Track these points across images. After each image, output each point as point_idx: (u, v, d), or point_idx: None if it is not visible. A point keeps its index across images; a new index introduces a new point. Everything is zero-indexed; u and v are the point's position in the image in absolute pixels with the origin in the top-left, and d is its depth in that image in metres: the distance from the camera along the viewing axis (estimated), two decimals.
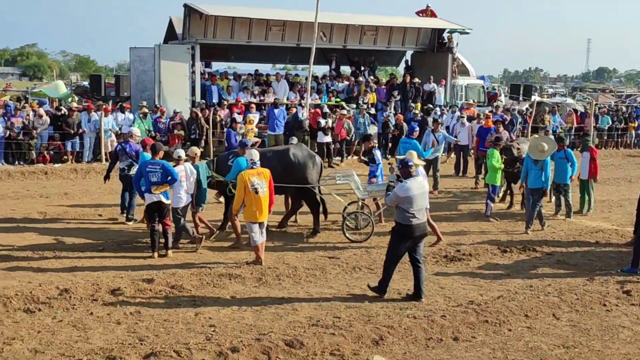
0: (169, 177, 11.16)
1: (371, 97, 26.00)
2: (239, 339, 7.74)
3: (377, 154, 14.40)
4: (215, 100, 23.96)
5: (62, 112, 21.41)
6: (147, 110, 21.47)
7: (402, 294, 9.67)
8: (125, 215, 13.83)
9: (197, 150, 12.70)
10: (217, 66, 30.26)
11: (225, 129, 21.95)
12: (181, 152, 12.11)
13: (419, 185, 9.50)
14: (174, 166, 11.61)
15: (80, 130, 20.53)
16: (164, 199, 11.10)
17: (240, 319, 8.55)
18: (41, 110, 21.10)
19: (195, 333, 8.05)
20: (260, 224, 10.85)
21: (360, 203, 13.47)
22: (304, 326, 8.26)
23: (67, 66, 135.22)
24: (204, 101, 23.37)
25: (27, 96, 28.08)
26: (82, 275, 10.14)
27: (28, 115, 20.79)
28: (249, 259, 11.12)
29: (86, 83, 40.91)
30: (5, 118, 20.28)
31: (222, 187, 12.82)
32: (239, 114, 22.22)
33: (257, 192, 10.70)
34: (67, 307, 8.90)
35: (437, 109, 25.07)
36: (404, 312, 8.87)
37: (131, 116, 21.56)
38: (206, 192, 12.57)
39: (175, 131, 21.42)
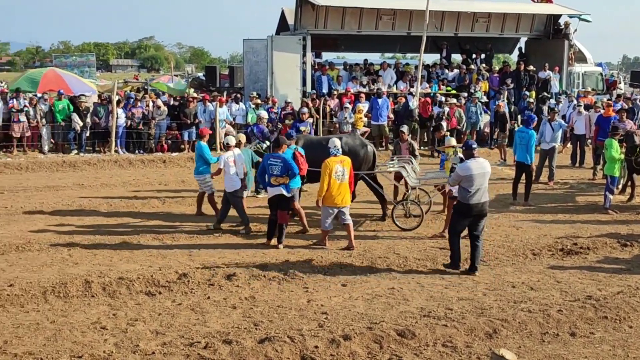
0: (290, 171, 11.31)
1: (483, 86, 25.47)
2: (351, 326, 7.81)
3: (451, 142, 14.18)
4: (325, 90, 24.16)
5: (180, 102, 22.20)
6: (259, 101, 21.93)
7: (517, 287, 9.48)
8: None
9: (242, 137, 13.31)
10: (327, 56, 30.50)
11: (335, 118, 22.16)
12: (230, 140, 12.75)
13: (480, 165, 9.97)
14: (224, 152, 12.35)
15: (197, 120, 21.20)
16: (284, 192, 11.26)
17: (351, 307, 8.61)
18: (159, 102, 21.94)
19: (308, 320, 8.18)
20: (341, 211, 11.24)
21: (410, 191, 13.32)
22: (415, 316, 8.24)
23: (182, 58, 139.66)
24: (314, 91, 23.60)
25: (147, 87, 29.22)
26: (200, 260, 10.49)
27: (147, 106, 21.67)
28: (346, 250, 11.19)
29: (201, 75, 42.14)
30: (127, 109, 21.23)
31: None
32: (349, 103, 22.31)
33: (339, 179, 11.06)
34: (185, 291, 9.23)
35: (553, 97, 24.30)
36: (518, 305, 8.69)
37: (244, 106, 22.05)
38: (251, 178, 13.11)
39: (287, 121, 21.75)
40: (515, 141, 15.31)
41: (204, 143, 13.50)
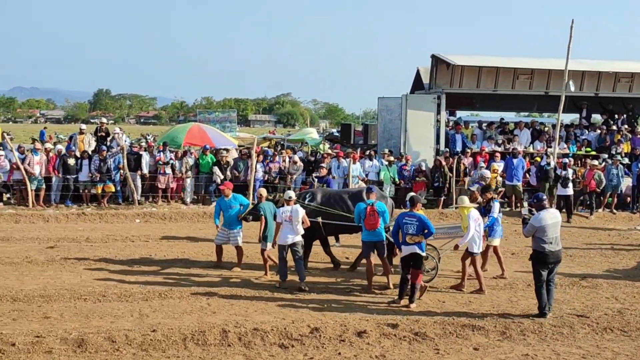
0: (426, 230, 11.32)
1: (625, 147, 24.52)
2: None
3: (496, 206, 13.62)
4: (459, 148, 24.08)
5: (315, 157, 22.81)
6: (392, 158, 22.18)
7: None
8: None
9: (263, 192, 13.69)
10: (461, 114, 30.42)
11: (468, 177, 21.98)
12: (291, 194, 12.89)
13: (552, 215, 10.80)
14: (282, 206, 12.56)
15: (330, 176, 21.65)
16: (418, 250, 11.28)
17: None
18: (296, 157, 22.62)
19: None
20: None
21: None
22: None
23: (317, 114, 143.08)
24: (447, 149, 23.58)
25: (284, 143, 30.18)
26: (331, 315, 10.64)
27: (284, 161, 22.40)
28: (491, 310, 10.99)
29: (334, 130, 43.02)
30: (265, 163, 22.04)
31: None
32: (483, 162, 22.11)
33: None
34: (317, 345, 9.40)
35: None
36: None
37: (377, 163, 22.33)
38: (273, 230, 13.09)
39: (417, 179, 21.86)
40: None
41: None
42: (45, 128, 48.19)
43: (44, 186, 20.50)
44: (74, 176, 20.87)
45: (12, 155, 20.47)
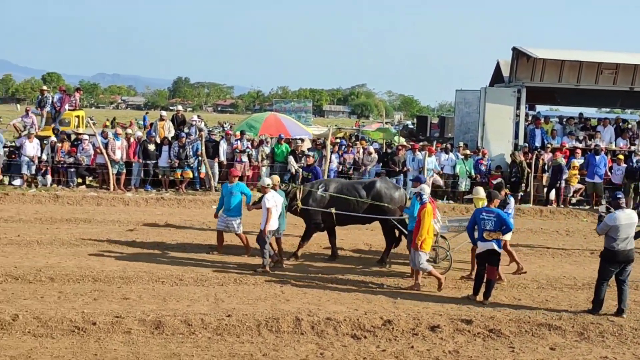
0: (504, 227, 11.12)
1: None
2: None
3: (512, 201, 13.25)
4: (538, 143, 23.52)
5: (391, 149, 22.68)
6: (468, 152, 21.87)
7: None
8: None
9: (276, 179, 13.49)
10: (541, 108, 29.72)
11: (546, 173, 21.48)
12: (268, 180, 13.14)
13: (627, 216, 10.61)
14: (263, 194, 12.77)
15: (405, 168, 21.52)
16: (495, 247, 11.10)
17: None
18: (371, 148, 22.54)
19: None
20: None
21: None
22: None
23: (392, 105, 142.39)
24: (526, 144, 23.09)
25: (358, 134, 30.14)
26: (404, 308, 10.59)
27: (359, 152, 22.35)
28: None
29: (409, 123, 42.69)
30: (339, 154, 22.06)
31: (305, 216, 13.83)
32: (563, 158, 21.56)
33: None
34: (389, 337, 9.39)
35: None
36: None
37: (454, 157, 22.05)
38: (284, 219, 13.26)
39: (493, 172, 21.49)
40: None
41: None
42: (147, 113, 49.51)
43: (124, 171, 21.09)
44: (154, 162, 21.38)
45: (96, 139, 21.11)
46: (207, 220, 17.03)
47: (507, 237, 12.95)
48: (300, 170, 18.60)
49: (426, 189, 12.22)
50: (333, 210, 13.62)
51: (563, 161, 21.33)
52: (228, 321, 9.50)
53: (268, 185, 12.94)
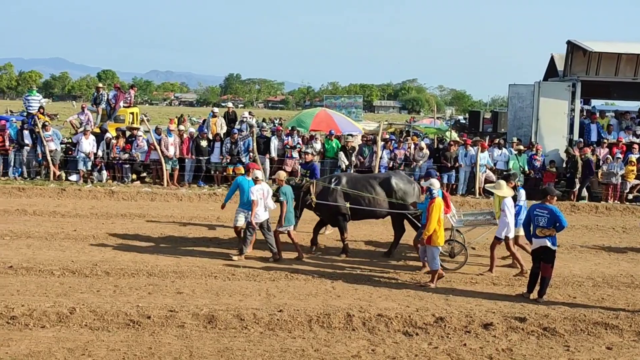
0: (557, 224, 10.89)
1: None
2: None
3: (521, 193, 12.99)
4: (594, 138, 23.06)
5: (443, 145, 22.47)
6: (522, 147, 21.54)
7: None
8: None
9: (282, 175, 13.44)
10: (596, 103, 29.10)
11: (603, 168, 21.01)
12: (258, 174, 13.19)
13: None
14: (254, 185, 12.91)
15: (457, 164, 21.30)
16: (549, 244, 10.90)
17: None
18: (422, 144, 22.35)
19: None
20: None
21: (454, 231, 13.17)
22: None
23: (443, 100, 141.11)
24: (581, 139, 22.63)
25: (409, 129, 29.93)
26: (456, 305, 10.49)
27: (409, 147, 22.17)
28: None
29: (461, 118, 42.23)
30: (390, 150, 21.92)
31: (324, 211, 13.71)
32: (620, 154, 21.09)
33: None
34: (442, 335, 9.31)
35: None
36: None
37: (507, 152, 21.73)
38: (292, 214, 13.16)
39: (548, 168, 21.13)
40: None
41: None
42: (213, 110, 49.98)
43: (177, 167, 21.37)
44: (206, 158, 21.62)
45: (150, 136, 21.44)
46: None
47: (521, 231, 12.84)
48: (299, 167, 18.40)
49: (435, 184, 12.10)
50: (347, 205, 13.51)
51: (592, 156, 20.87)
52: (280, 316, 9.54)
53: (256, 178, 13.11)
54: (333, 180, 13.93)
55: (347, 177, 14.18)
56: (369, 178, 14.27)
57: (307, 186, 13.83)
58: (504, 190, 12.58)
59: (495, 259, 12.53)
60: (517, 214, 12.73)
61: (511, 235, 12.34)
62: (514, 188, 12.99)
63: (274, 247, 13.08)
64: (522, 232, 12.65)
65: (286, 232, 13.20)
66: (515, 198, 12.76)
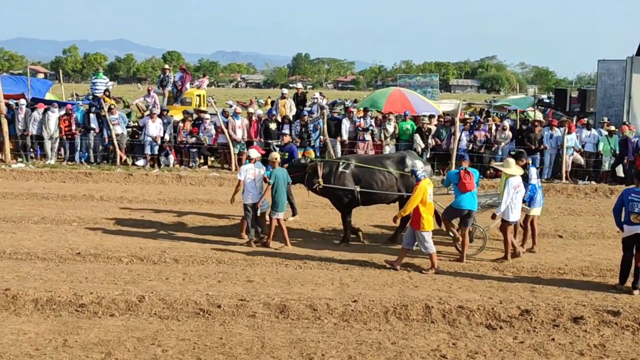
0: None
1: None
2: None
3: (532, 172, 12.15)
4: None
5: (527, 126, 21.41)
6: (613, 128, 20.24)
7: None
8: None
9: (276, 155, 12.82)
10: None
11: None
12: (252, 152, 12.93)
13: None
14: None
15: (542, 146, 20.22)
16: None
17: None
18: (505, 123, 21.27)
19: None
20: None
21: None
22: None
23: (525, 78, 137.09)
24: None
25: (490, 110, 28.89)
26: (542, 297, 9.85)
27: (490, 129, 21.17)
28: None
29: (545, 97, 40.59)
30: (470, 131, 21.01)
31: (332, 195, 12.96)
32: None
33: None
34: (528, 328, 8.75)
35: None
36: None
37: (596, 133, 20.50)
38: (283, 198, 12.43)
39: None
40: None
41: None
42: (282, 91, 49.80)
43: (245, 150, 21.01)
44: (276, 141, 21.19)
45: (217, 119, 21.14)
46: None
47: (535, 211, 12.41)
48: (277, 149, 17.07)
49: (419, 165, 11.66)
50: (357, 189, 12.72)
51: (631, 134, 19.46)
52: (354, 307, 9.13)
53: (249, 156, 12.83)
54: (342, 162, 13.08)
55: (355, 159, 13.28)
56: (382, 158, 13.54)
57: (313, 167, 13.01)
58: (512, 168, 11.77)
59: (509, 244, 11.78)
60: (531, 194, 12.25)
61: (512, 219, 11.65)
62: (525, 167, 12.26)
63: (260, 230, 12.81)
64: (534, 212, 12.35)
65: (275, 219, 12.49)
66: (525, 177, 12.07)
